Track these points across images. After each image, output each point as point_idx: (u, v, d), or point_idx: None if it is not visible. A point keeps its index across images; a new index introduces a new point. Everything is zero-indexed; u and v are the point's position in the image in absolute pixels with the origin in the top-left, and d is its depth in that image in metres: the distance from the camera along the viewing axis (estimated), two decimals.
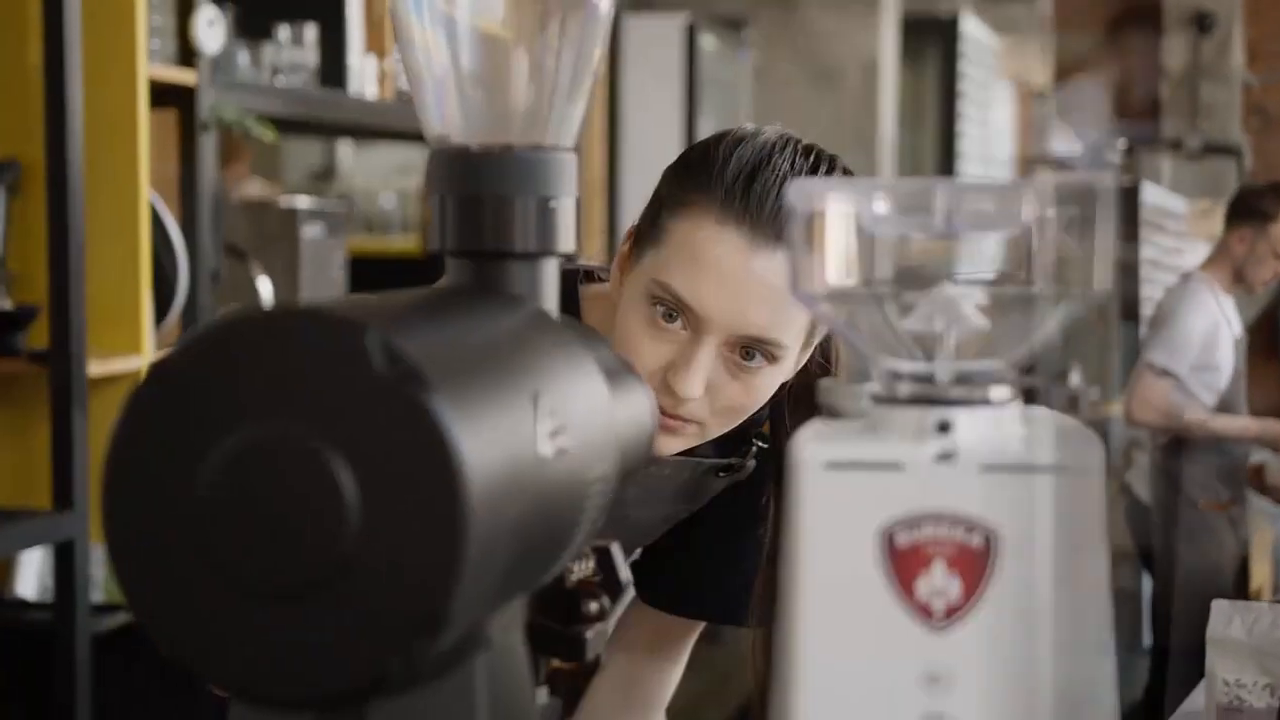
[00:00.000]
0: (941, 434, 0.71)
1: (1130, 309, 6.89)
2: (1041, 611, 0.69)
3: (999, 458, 0.71)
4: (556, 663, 0.83)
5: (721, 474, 1.44)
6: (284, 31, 3.24)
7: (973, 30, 7.81)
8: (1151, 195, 7.46)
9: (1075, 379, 6.29)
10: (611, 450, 0.81)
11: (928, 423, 0.73)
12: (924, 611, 0.69)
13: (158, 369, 0.67)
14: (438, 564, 0.61)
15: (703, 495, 1.45)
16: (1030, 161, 9.32)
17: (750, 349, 1.27)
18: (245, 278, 3.16)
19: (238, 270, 3.16)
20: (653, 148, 5.07)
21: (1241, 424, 4.49)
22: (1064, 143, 7.88)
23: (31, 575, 2.86)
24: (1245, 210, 4.51)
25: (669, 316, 1.27)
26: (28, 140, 2.58)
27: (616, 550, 0.87)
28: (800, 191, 0.74)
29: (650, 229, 1.30)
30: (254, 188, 4.55)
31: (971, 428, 0.73)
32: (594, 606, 0.83)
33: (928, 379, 0.74)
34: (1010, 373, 0.75)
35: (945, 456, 0.71)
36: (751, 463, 1.44)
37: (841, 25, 5.71)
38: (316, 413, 0.63)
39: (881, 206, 0.74)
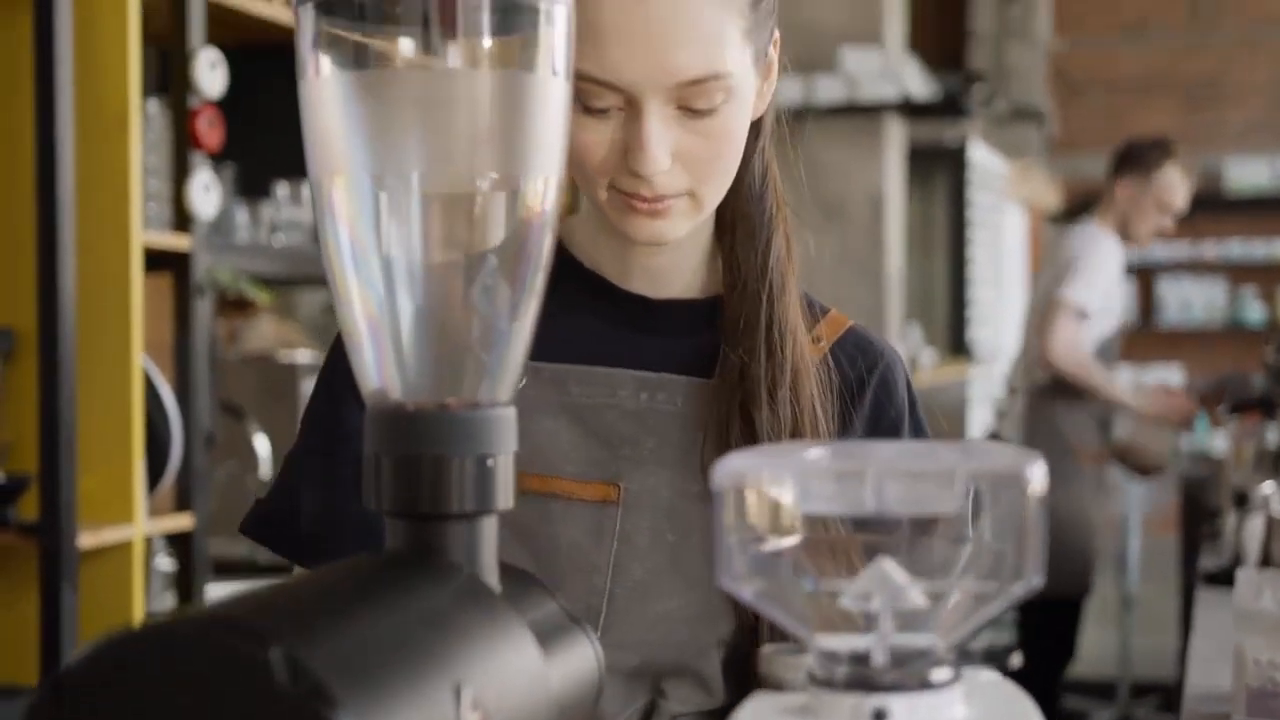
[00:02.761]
0: None
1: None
2: None
3: None
4: None
5: None
6: (282, 189, 3.26)
7: (981, 157, 7.86)
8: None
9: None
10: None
11: (864, 711, 0.70)
12: None
13: (56, 681, 0.65)
14: None
15: None
16: None
17: (695, 94, 1.14)
18: (242, 437, 3.14)
19: (235, 430, 3.16)
20: None
21: (1128, 395, 4.63)
22: None
23: None
24: (1130, 161, 4.60)
25: (601, 108, 1.15)
26: (21, 308, 2.59)
27: None
28: (727, 471, 0.73)
29: None
30: (266, 328, 4.55)
31: (910, 715, 0.70)
32: None
33: (864, 659, 0.72)
34: (949, 653, 0.72)
35: None
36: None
37: (847, 159, 5.74)
38: None
39: (811, 486, 0.72)
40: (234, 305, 3.62)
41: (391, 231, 0.83)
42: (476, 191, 0.83)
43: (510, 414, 0.86)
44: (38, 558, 2.49)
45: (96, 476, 2.63)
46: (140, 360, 2.67)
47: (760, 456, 0.74)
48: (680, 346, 1.29)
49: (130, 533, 2.66)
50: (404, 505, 0.83)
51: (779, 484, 0.73)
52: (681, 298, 1.31)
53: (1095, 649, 6.74)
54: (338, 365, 1.29)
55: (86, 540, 2.56)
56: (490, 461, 0.83)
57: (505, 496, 0.84)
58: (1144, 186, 4.54)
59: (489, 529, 0.84)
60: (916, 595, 0.72)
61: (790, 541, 0.75)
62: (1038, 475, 0.71)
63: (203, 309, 2.86)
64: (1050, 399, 4.54)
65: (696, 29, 1.12)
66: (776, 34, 1.25)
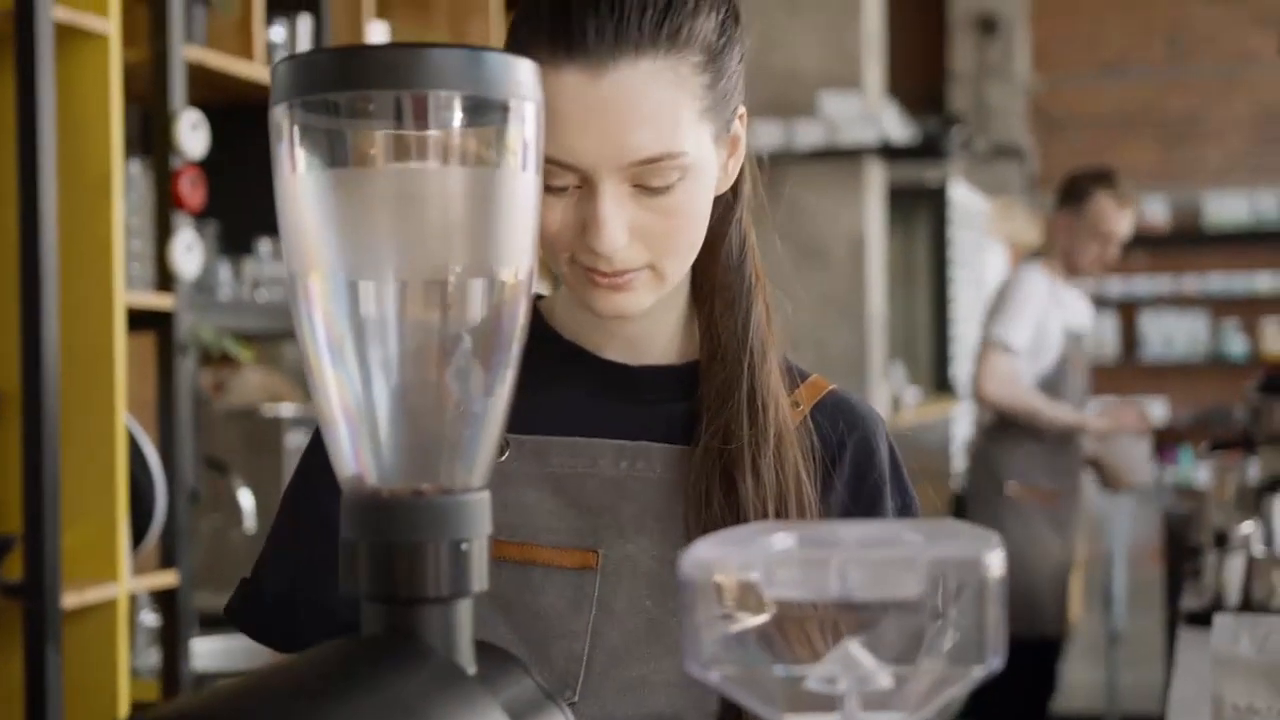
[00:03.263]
0: None
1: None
2: None
3: None
4: None
5: None
6: (265, 245, 3.28)
7: (961, 196, 7.91)
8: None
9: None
10: None
11: None
12: None
13: None
14: None
15: None
16: None
17: (650, 173, 1.16)
18: (227, 491, 3.16)
19: (219, 484, 3.17)
20: None
21: (1077, 416, 4.56)
22: None
23: None
24: (1064, 194, 4.66)
25: (559, 186, 1.17)
26: (5, 369, 2.60)
27: None
28: (695, 560, 0.74)
29: None
30: (252, 379, 4.56)
31: None
32: None
33: None
34: None
35: None
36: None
37: (828, 202, 5.77)
38: None
39: (777, 574, 0.74)
40: (221, 357, 3.64)
41: (366, 324, 0.85)
42: (450, 284, 0.85)
43: (484, 498, 0.87)
44: (22, 618, 2.50)
45: (81, 536, 2.64)
46: (124, 419, 2.68)
47: (727, 545, 0.76)
48: (660, 413, 1.31)
49: (114, 591, 2.67)
50: (381, 590, 0.84)
51: (746, 571, 0.74)
52: (660, 364, 1.33)
53: (1082, 684, 6.75)
54: (318, 448, 1.31)
55: (71, 600, 2.57)
56: (465, 546, 0.85)
57: (480, 579, 0.86)
58: (1078, 217, 4.57)
59: (464, 611, 0.86)
60: (883, 677, 0.74)
61: (757, 625, 0.77)
62: (995, 561, 0.72)
63: (185, 367, 2.88)
64: (997, 439, 4.57)
65: (649, 111, 1.14)
66: (742, 109, 1.26)
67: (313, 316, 0.85)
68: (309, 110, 0.84)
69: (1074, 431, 4.59)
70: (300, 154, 0.84)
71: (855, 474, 1.33)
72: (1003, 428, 4.53)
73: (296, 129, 0.83)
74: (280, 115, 0.84)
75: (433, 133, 0.83)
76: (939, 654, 0.75)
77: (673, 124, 1.16)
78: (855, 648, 0.74)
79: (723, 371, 1.29)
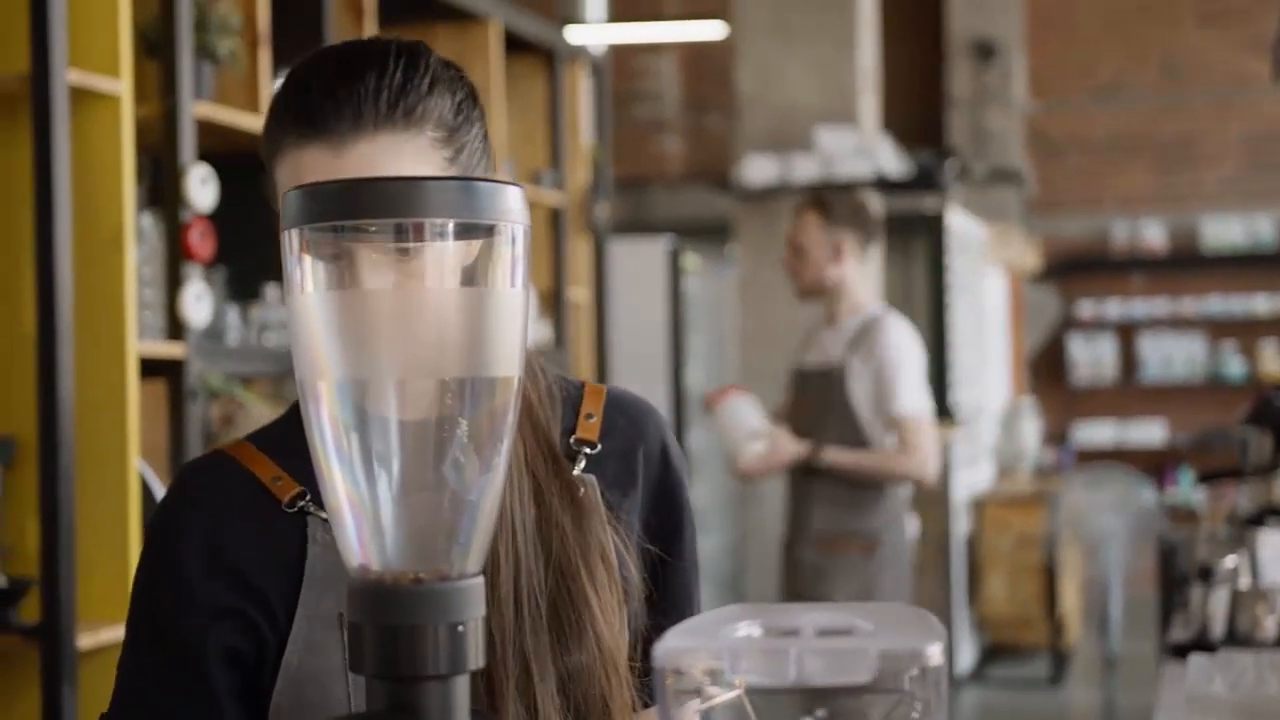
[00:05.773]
0: None
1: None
2: None
3: None
4: None
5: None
6: (272, 291, 3.37)
7: (959, 223, 7.99)
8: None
9: None
10: None
11: None
12: None
13: None
14: None
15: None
16: None
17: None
18: None
19: None
20: (642, 368, 5.19)
21: (851, 456, 4.08)
22: None
23: None
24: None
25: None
26: (22, 418, 2.68)
27: None
28: (665, 650, 0.83)
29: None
30: (258, 414, 4.63)
31: None
32: None
33: None
34: None
35: None
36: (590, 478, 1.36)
37: None
38: None
39: (741, 663, 0.82)
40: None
41: (369, 424, 0.94)
42: (446, 388, 0.93)
43: (478, 583, 0.96)
44: (39, 659, 2.58)
45: (96, 578, 2.72)
46: (136, 465, 2.77)
47: (696, 637, 0.84)
48: None
49: None
50: (384, 668, 0.93)
51: (714, 661, 0.83)
52: None
53: (1080, 707, 6.81)
54: (164, 562, 1.31)
55: (85, 641, 2.65)
56: (461, 628, 0.93)
57: (476, 657, 0.94)
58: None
59: (461, 687, 0.94)
60: None
61: (724, 703, 0.85)
62: (936, 652, 0.80)
63: (195, 413, 2.96)
64: (804, 490, 4.21)
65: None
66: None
67: (321, 419, 0.94)
68: (318, 234, 0.92)
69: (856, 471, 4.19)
70: (309, 274, 0.92)
71: (655, 466, 1.40)
72: (806, 476, 4.18)
73: (307, 252, 0.92)
74: (292, 240, 0.92)
75: (429, 255, 0.92)
76: None
77: None
78: None
79: None
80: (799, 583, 4.14)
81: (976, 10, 9.93)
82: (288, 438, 1.29)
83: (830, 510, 4.12)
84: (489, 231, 0.93)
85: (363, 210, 0.92)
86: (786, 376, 4.35)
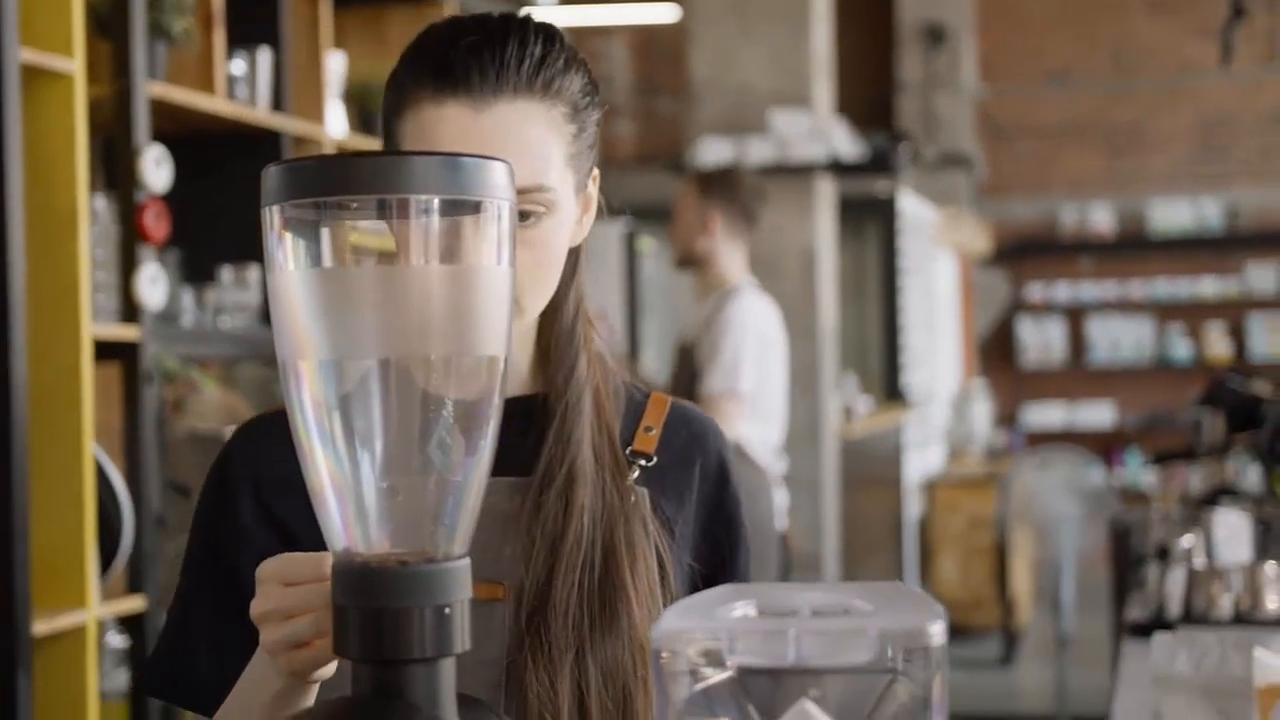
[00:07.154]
0: None
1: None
2: None
3: None
4: None
5: None
6: (227, 273, 3.33)
7: (910, 206, 8.02)
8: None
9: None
10: None
11: None
12: None
13: None
14: None
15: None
16: None
17: (520, 202, 1.19)
18: (189, 514, 3.19)
19: (183, 506, 3.21)
20: None
21: None
22: None
23: None
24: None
25: None
26: None
27: None
28: (664, 632, 0.82)
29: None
30: (211, 398, 4.58)
31: None
32: None
33: None
34: None
35: None
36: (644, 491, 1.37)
37: (779, 217, 5.84)
38: None
39: (739, 643, 0.81)
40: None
41: (352, 404, 0.92)
42: (430, 366, 0.92)
43: (464, 565, 0.94)
44: None
45: (50, 564, 2.69)
46: (91, 449, 2.73)
47: (693, 616, 0.83)
48: (506, 446, 1.36)
49: (84, 617, 2.72)
50: (370, 652, 0.91)
51: (711, 642, 0.82)
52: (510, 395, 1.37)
53: (1033, 686, 6.86)
54: (214, 504, 1.38)
55: (41, 627, 2.62)
56: (448, 610, 0.92)
57: (462, 639, 0.92)
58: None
59: (447, 670, 0.93)
60: None
61: (720, 683, 0.84)
62: (938, 631, 0.80)
63: (151, 396, 2.93)
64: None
65: (524, 145, 1.24)
66: (596, 171, 1.35)
67: (303, 401, 0.92)
68: (298, 211, 0.90)
69: None
70: (290, 252, 0.91)
71: (710, 484, 1.40)
72: None
73: (287, 229, 0.90)
74: (273, 215, 0.90)
75: (414, 232, 0.90)
76: (887, 712, 0.82)
77: (544, 160, 1.26)
78: (810, 706, 0.81)
79: (546, 418, 1.33)
80: None
81: None
82: None
83: None
84: (475, 208, 0.91)
85: (345, 186, 0.90)
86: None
